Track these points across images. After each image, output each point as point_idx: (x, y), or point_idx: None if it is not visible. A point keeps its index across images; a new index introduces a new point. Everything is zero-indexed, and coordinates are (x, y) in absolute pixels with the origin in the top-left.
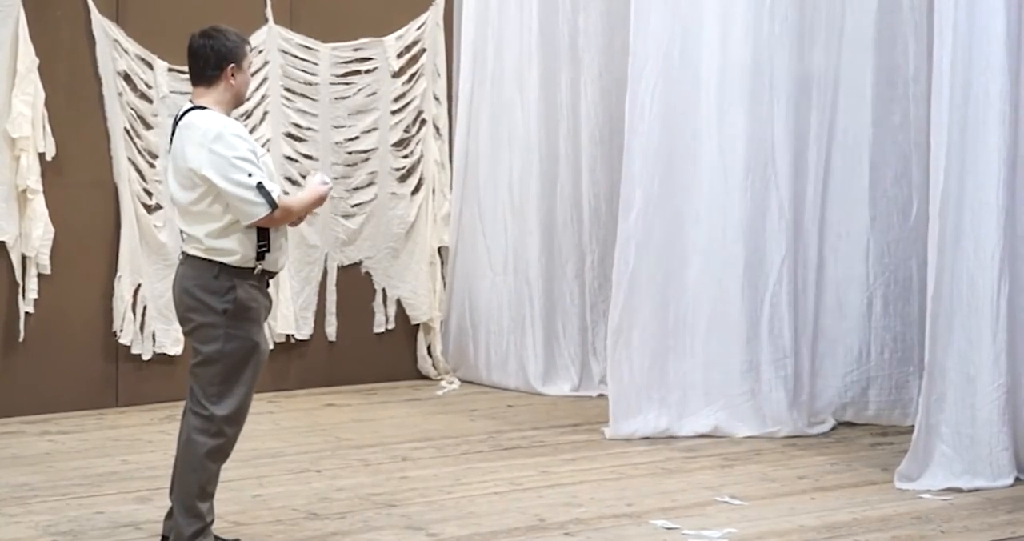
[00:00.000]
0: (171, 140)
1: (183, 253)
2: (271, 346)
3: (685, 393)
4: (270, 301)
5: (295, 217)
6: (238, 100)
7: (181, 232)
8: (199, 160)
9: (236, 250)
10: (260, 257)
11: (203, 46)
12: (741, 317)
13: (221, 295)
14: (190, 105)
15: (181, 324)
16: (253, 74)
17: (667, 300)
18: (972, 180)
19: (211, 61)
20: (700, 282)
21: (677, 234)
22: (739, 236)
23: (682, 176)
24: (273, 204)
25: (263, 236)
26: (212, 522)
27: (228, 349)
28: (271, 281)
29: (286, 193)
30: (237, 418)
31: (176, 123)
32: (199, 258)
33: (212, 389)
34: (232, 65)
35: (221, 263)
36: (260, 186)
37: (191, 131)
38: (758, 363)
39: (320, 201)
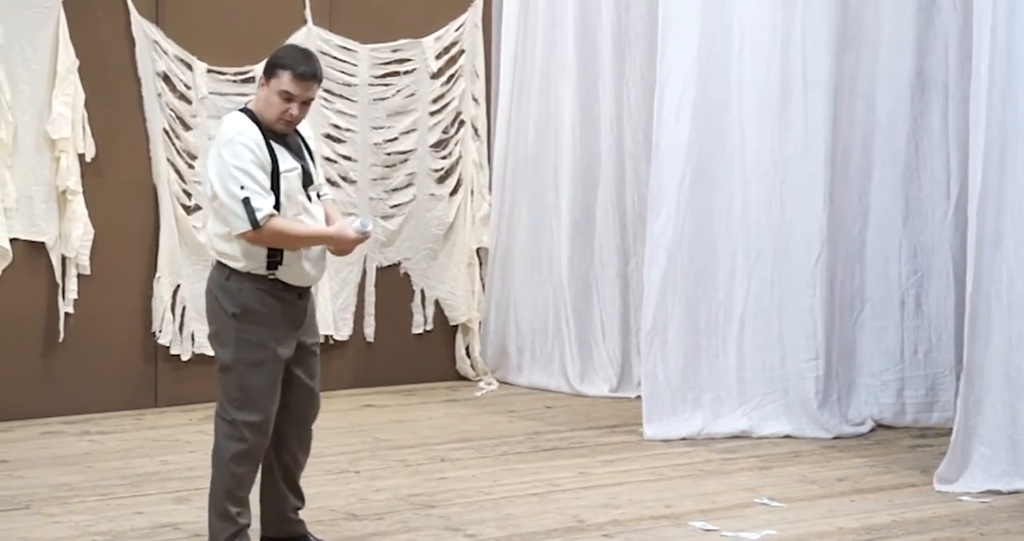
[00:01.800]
0: None
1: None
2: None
3: (719, 393)
4: (300, 310)
5: (293, 245)
6: (263, 118)
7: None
8: (210, 165)
9: (239, 256)
10: (272, 267)
11: (275, 51)
12: (773, 317)
13: (231, 298)
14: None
15: (208, 327)
16: None
17: (698, 300)
18: (1011, 181)
19: (265, 66)
20: (731, 282)
21: (708, 235)
22: (771, 237)
23: (712, 177)
24: (255, 223)
25: (273, 248)
26: (247, 525)
27: (240, 354)
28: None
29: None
30: (260, 426)
31: None
32: (217, 260)
33: (233, 394)
34: (263, 77)
35: (230, 268)
36: (247, 201)
37: (219, 131)
38: (790, 363)
39: (326, 242)
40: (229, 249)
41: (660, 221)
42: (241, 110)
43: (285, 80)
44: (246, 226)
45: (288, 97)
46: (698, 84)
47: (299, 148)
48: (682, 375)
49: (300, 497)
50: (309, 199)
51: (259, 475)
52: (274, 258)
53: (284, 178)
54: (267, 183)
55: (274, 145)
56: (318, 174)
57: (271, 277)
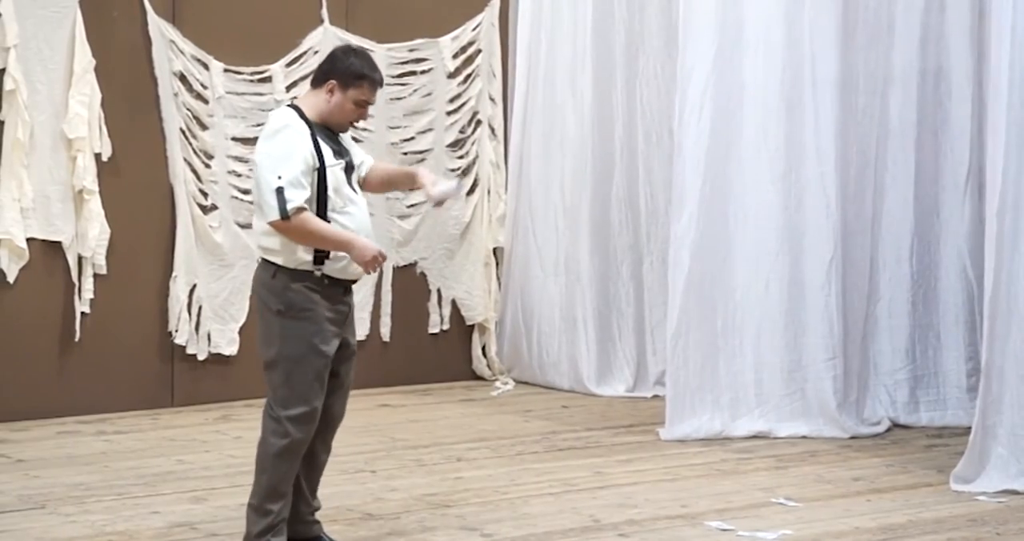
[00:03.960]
0: None
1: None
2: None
3: (736, 394)
4: (345, 306)
5: (316, 243)
6: (325, 120)
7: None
8: (257, 150)
9: (282, 251)
10: (318, 262)
11: (332, 53)
12: (789, 318)
13: (276, 296)
14: (287, 101)
15: (259, 323)
16: (308, 76)
17: (716, 302)
18: None
19: (324, 67)
20: (748, 283)
21: (725, 236)
22: (786, 237)
23: (730, 178)
24: (284, 213)
25: None
26: (284, 520)
27: (285, 351)
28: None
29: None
30: (304, 420)
31: None
32: (262, 259)
33: (280, 391)
34: (335, 83)
35: (276, 264)
36: (280, 191)
37: (266, 125)
38: (807, 363)
39: (348, 249)
40: (271, 244)
41: (683, 223)
42: (289, 106)
43: (366, 90)
44: (275, 215)
45: (364, 104)
46: (717, 84)
47: (340, 141)
48: (701, 377)
49: (316, 498)
50: (354, 190)
51: None
52: (321, 252)
53: (330, 172)
54: (306, 178)
55: (320, 141)
56: (357, 158)
57: (318, 272)
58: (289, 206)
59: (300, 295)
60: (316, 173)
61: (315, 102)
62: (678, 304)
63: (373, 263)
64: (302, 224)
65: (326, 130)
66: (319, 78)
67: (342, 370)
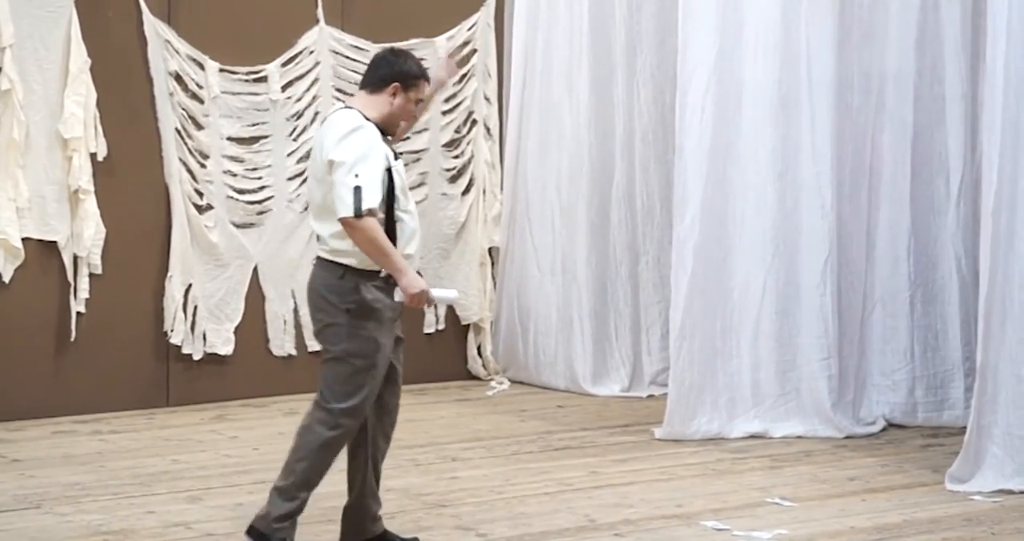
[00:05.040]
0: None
1: (316, 255)
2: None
3: (733, 395)
4: (399, 304)
5: (373, 252)
6: (387, 121)
7: (314, 234)
8: (333, 148)
9: (354, 252)
10: None
11: (384, 58)
12: (785, 317)
13: (345, 295)
14: (342, 105)
15: (312, 324)
16: (303, 76)
17: (715, 303)
18: None
19: (382, 72)
20: (745, 284)
21: (724, 237)
22: (782, 237)
23: (729, 179)
24: (358, 212)
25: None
26: (300, 513)
27: (353, 348)
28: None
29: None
30: (356, 413)
31: (324, 121)
32: (327, 260)
33: (339, 387)
34: (397, 85)
35: (345, 265)
36: (357, 189)
37: (334, 125)
38: (802, 363)
39: (396, 274)
40: (345, 246)
41: (686, 224)
42: (347, 108)
43: (423, 88)
44: (349, 212)
45: (419, 102)
46: (718, 85)
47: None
48: (703, 378)
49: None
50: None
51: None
52: None
53: (396, 173)
54: (381, 181)
55: (384, 143)
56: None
57: (382, 274)
58: (364, 205)
59: (369, 294)
60: (386, 173)
61: (376, 105)
62: (681, 306)
63: (417, 299)
64: (370, 227)
65: (382, 132)
66: (376, 83)
67: (396, 362)
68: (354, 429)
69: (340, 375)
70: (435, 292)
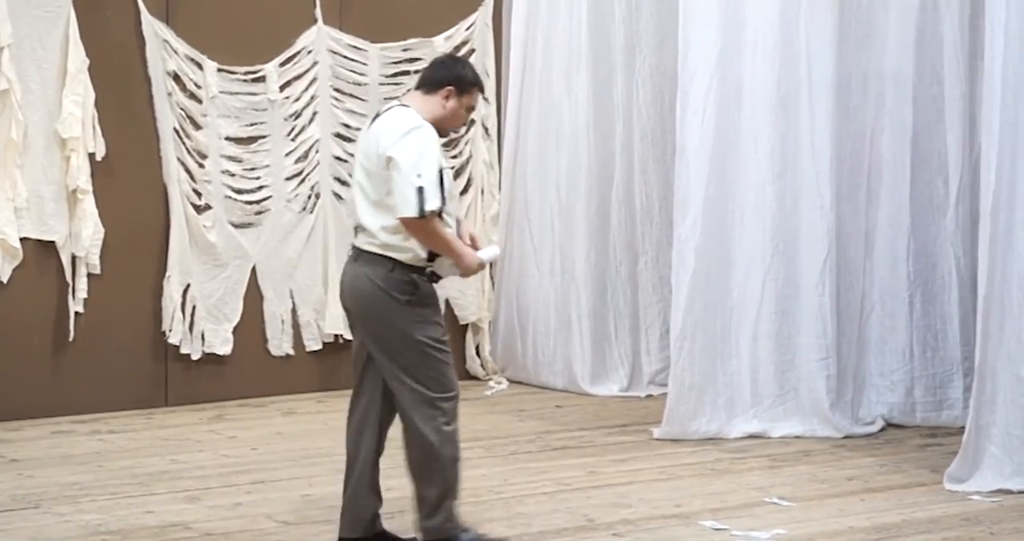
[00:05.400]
0: (364, 134)
1: (355, 249)
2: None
3: (732, 395)
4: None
5: (437, 246)
6: (438, 124)
7: (356, 227)
8: (393, 145)
9: (409, 248)
10: (431, 259)
11: (443, 61)
12: (784, 317)
13: (400, 286)
14: (397, 103)
15: (360, 322)
16: (302, 75)
17: (717, 303)
18: None
19: (440, 74)
20: (744, 284)
21: (724, 237)
22: (781, 237)
23: (729, 179)
24: (423, 213)
25: None
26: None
27: (421, 334)
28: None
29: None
30: (456, 398)
31: (376, 116)
32: (374, 254)
33: (428, 379)
34: (452, 88)
35: (394, 259)
36: (421, 190)
37: (393, 122)
38: (801, 363)
39: (458, 259)
40: (398, 241)
41: (687, 224)
42: (403, 106)
43: (476, 96)
44: (413, 212)
45: (471, 110)
46: (719, 86)
47: None
48: (703, 379)
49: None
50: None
51: (344, 475)
52: (432, 251)
53: (446, 176)
54: (439, 182)
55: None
56: None
57: (428, 269)
58: (428, 206)
59: (422, 282)
60: (439, 174)
61: (430, 107)
62: (683, 306)
63: (477, 270)
64: (435, 226)
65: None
66: (432, 84)
67: None
68: (457, 411)
69: (422, 366)
70: (484, 256)
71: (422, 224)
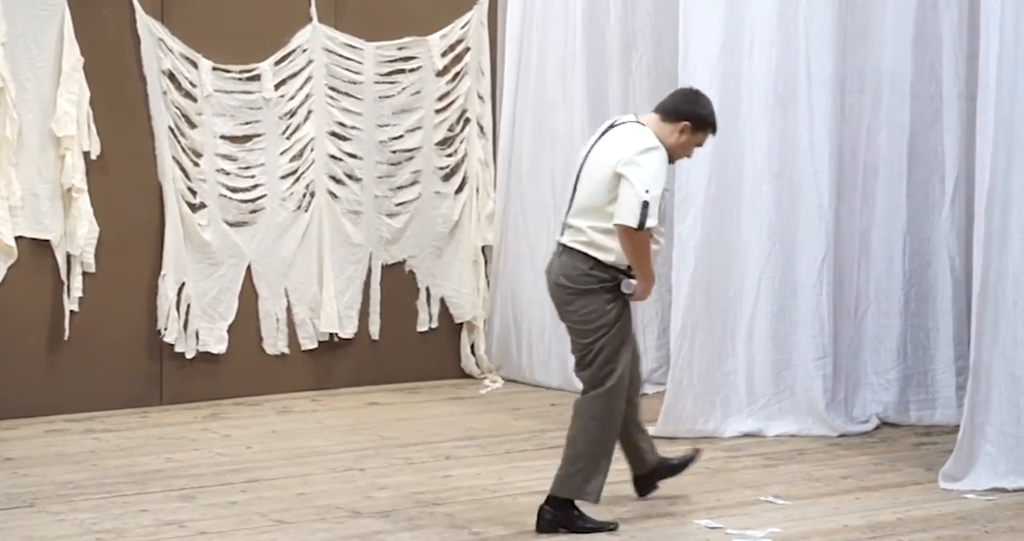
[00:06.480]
0: (595, 142)
1: (560, 245)
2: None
3: (728, 394)
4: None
5: (639, 261)
6: (668, 151)
7: (564, 225)
8: (630, 159)
9: (611, 250)
10: (629, 271)
11: (688, 95)
12: (781, 316)
13: (598, 275)
14: (633, 118)
15: (567, 310)
16: (297, 74)
17: (716, 302)
18: (1019, 179)
19: (683, 108)
20: (742, 282)
21: (722, 236)
22: (779, 236)
23: (729, 178)
24: (642, 225)
25: None
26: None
27: (616, 313)
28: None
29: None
30: (624, 377)
31: (610, 127)
32: (578, 251)
33: (607, 354)
34: (689, 124)
35: (595, 258)
36: (645, 205)
37: (631, 136)
38: (797, 362)
39: (645, 279)
40: (608, 243)
41: (688, 223)
42: (640, 124)
43: (708, 136)
44: (633, 223)
45: (700, 146)
46: (719, 85)
47: None
48: (702, 378)
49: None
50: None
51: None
52: None
53: (667, 198)
54: (659, 203)
55: None
56: None
57: (623, 276)
58: (648, 221)
59: (615, 274)
60: (662, 195)
61: (665, 134)
62: (683, 305)
63: (643, 297)
64: (644, 240)
65: None
66: (672, 114)
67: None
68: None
69: (607, 345)
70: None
71: (636, 235)
